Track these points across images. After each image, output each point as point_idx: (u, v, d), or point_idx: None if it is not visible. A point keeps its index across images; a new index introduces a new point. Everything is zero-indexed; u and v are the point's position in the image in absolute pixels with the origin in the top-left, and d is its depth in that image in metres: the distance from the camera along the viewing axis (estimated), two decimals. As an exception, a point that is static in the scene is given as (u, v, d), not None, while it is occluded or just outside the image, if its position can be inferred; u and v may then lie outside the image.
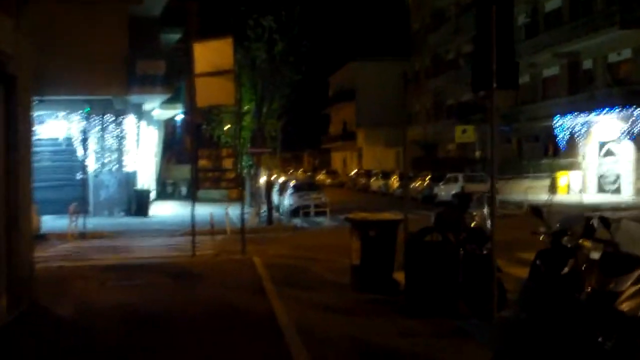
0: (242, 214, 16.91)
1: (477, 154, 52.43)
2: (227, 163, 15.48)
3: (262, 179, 32.50)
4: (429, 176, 41.70)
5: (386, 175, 53.32)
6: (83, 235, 24.85)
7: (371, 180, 56.09)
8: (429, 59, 68.13)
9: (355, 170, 69.99)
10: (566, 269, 7.60)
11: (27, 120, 11.18)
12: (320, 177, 73.25)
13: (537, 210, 8.80)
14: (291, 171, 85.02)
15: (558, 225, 8.88)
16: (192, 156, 17.10)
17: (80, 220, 25.55)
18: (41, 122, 30.70)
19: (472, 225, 10.75)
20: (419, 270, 10.14)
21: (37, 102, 29.37)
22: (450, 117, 60.57)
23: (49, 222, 27.44)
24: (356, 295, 11.39)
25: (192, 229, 16.63)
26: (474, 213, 11.08)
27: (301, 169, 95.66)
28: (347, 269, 13.87)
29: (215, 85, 16.05)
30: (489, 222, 10.41)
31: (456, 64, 61.26)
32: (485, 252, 10.16)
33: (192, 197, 16.65)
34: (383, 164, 68.45)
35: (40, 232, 24.36)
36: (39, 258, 19.17)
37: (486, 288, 9.54)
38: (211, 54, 16.14)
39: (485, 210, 11.00)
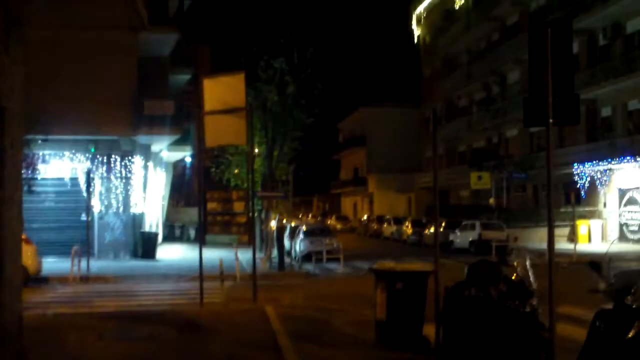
0: (254, 260, 15.76)
1: (491, 200, 51.27)
2: (238, 207, 14.50)
3: (273, 223, 31.45)
4: (444, 223, 40.46)
5: (399, 221, 52.14)
6: (86, 279, 23.73)
7: (383, 226, 54.89)
8: (440, 105, 67.36)
9: (367, 216, 68.82)
10: (631, 333, 6.57)
11: (17, 156, 10.13)
12: (331, 222, 72.07)
13: (595, 265, 7.77)
14: (300, 216, 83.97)
15: (614, 280, 7.81)
16: (200, 199, 15.86)
17: (84, 263, 24.48)
18: (45, 162, 29.77)
19: (513, 277, 9.62)
20: (458, 329, 8.98)
21: (40, 141, 28.67)
22: (462, 163, 59.59)
23: (52, 265, 26.35)
24: (383, 354, 10.22)
25: (200, 278, 15.49)
26: (515, 263, 9.93)
27: (310, 214, 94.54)
28: (369, 322, 12.75)
29: (225, 123, 15.06)
30: (531, 274, 9.35)
31: (469, 110, 60.54)
32: (528, 309, 9.04)
33: (199, 242, 15.47)
34: (395, 210, 67.33)
35: (41, 275, 23.34)
36: (37, 303, 18.15)
37: (531, 350, 8.42)
38: (222, 91, 15.17)
39: (528, 262, 9.85)
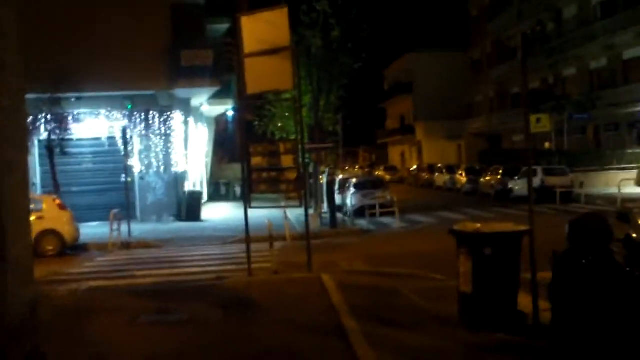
0: (307, 224, 13.90)
1: (547, 144, 48.82)
2: (286, 161, 12.79)
3: (322, 177, 29.72)
4: (501, 170, 38.26)
5: (451, 170, 49.94)
6: (127, 245, 22.28)
7: (435, 176, 52.75)
8: (490, 46, 64.41)
9: (417, 166, 66.70)
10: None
11: (20, 112, 8.40)
12: (379, 173, 70.12)
13: (623, 216, 5.85)
14: (347, 167, 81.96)
15: None
16: (242, 154, 13.98)
17: (124, 228, 23.03)
18: (80, 121, 28.21)
19: (634, 236, 7.67)
20: (576, 306, 7.06)
21: (74, 99, 27.09)
22: (515, 106, 56.87)
23: (92, 230, 25.07)
24: (473, 337, 8.35)
25: (247, 246, 13.70)
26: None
27: (357, 166, 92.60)
28: (443, 290, 11.00)
29: (268, 66, 13.13)
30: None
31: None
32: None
33: (244, 205, 13.68)
34: (445, 158, 65.06)
35: (78, 243, 21.96)
36: (71, 275, 16.68)
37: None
38: (263, 29, 13.19)
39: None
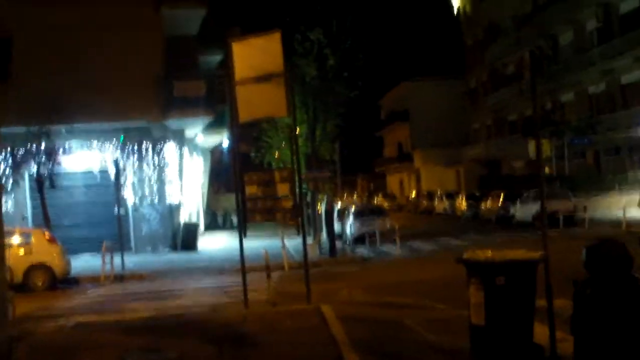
0: (305, 252, 13.25)
1: (547, 169, 48.32)
2: (282, 189, 12.24)
3: (320, 206, 29.17)
4: (502, 195, 37.69)
5: (451, 196, 49.42)
6: (120, 278, 21.68)
7: (435, 202, 52.23)
8: (486, 74, 64.17)
9: (416, 193, 66.15)
10: None
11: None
12: (378, 200, 69.60)
13: None
14: (345, 196, 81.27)
15: None
16: (237, 183, 13.41)
17: (118, 260, 22.40)
18: (72, 154, 27.62)
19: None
20: (601, 340, 6.48)
21: (64, 131, 26.55)
22: (513, 133, 56.51)
23: (85, 263, 24.40)
24: (486, 373, 7.72)
25: (243, 277, 13.06)
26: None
27: (355, 194, 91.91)
28: (449, 321, 10.43)
29: (261, 93, 12.57)
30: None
31: (518, 76, 57.18)
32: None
33: (239, 235, 13.08)
34: (444, 185, 64.54)
35: (70, 276, 21.31)
36: (60, 310, 15.98)
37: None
38: (255, 55, 12.65)
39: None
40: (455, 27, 73.09)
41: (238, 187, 13.29)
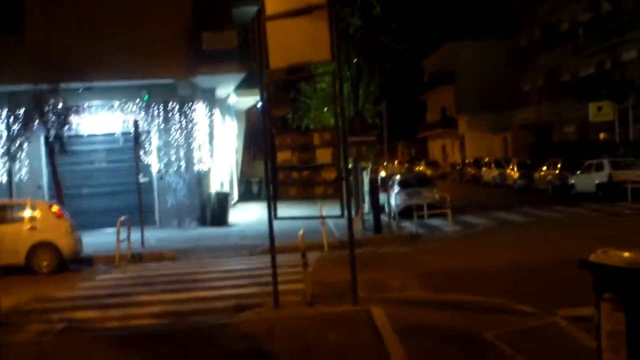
0: (351, 245, 10.30)
1: (602, 135, 44.94)
2: (323, 156, 9.63)
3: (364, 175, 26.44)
4: (560, 163, 34.49)
5: (500, 164, 46.16)
6: (138, 257, 19.13)
7: (482, 170, 49.03)
8: (538, 32, 60.38)
9: (461, 160, 62.94)
10: None
11: None
12: (420, 168, 66.50)
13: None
14: (385, 163, 78.24)
15: None
16: (266, 148, 10.57)
17: (135, 235, 19.93)
18: (90, 115, 25.13)
19: None
20: None
21: (82, 89, 24.03)
22: (566, 95, 52.92)
23: (103, 239, 21.94)
24: None
25: (273, 274, 10.34)
26: None
27: (396, 161, 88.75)
28: (545, 334, 7.68)
29: (298, 31, 9.84)
30: None
31: (573, 34, 53.42)
32: None
33: (269, 213, 10.38)
34: (490, 152, 61.22)
35: (83, 255, 18.86)
36: (59, 302, 13.47)
37: None
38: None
39: None
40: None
41: (268, 153, 10.53)
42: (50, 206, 18.32)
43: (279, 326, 9.24)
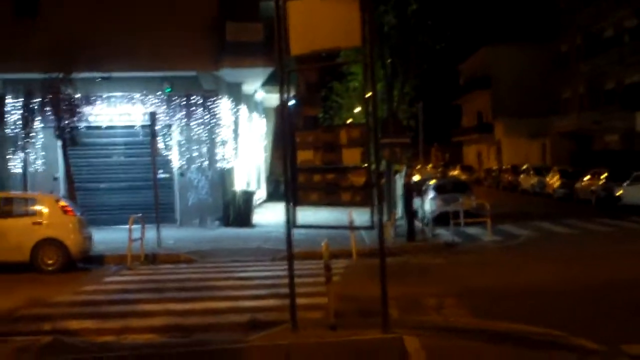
0: (382, 265, 8.62)
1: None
2: (350, 156, 8.25)
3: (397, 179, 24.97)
4: (606, 173, 32.64)
5: (539, 172, 44.31)
6: (152, 258, 17.81)
7: (520, 177, 47.23)
8: (580, 38, 58.35)
9: (498, 166, 61.16)
10: None
11: None
12: (454, 173, 64.78)
13: None
14: (419, 167, 76.62)
15: None
16: (286, 146, 9.02)
17: (151, 234, 18.64)
18: (109, 105, 23.88)
19: None
20: None
21: (100, 79, 22.80)
22: (609, 103, 50.93)
23: (120, 235, 20.57)
24: None
25: (291, 291, 8.81)
26: None
27: (430, 165, 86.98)
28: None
29: (322, 13, 8.36)
30: None
31: (617, 41, 51.39)
32: None
33: (287, 222, 8.92)
34: (527, 159, 59.28)
35: (90, 254, 17.58)
36: (54, 307, 12.08)
37: None
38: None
39: None
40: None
41: (288, 152, 9.06)
42: (57, 200, 17.03)
43: (293, 351, 7.75)
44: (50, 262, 16.10)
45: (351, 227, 14.72)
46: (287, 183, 9.04)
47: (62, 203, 16.90)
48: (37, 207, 16.50)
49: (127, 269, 16.61)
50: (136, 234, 17.37)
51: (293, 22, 8.66)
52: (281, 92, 9.02)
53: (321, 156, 8.69)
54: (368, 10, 8.33)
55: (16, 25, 22.65)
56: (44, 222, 16.25)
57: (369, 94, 8.70)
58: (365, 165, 8.58)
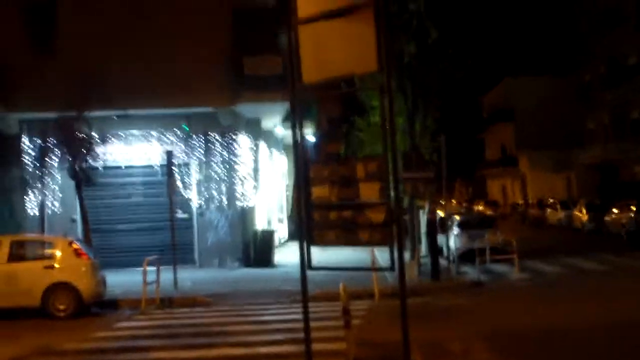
0: (403, 307, 7.94)
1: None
2: (368, 192, 7.72)
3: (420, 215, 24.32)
4: (634, 206, 31.76)
5: (566, 205, 43.40)
6: (168, 302, 17.27)
7: (547, 212, 46.32)
8: (603, 67, 57.61)
9: (523, 200, 60.22)
10: None
11: None
12: (479, 208, 63.84)
13: None
14: (443, 202, 75.76)
15: None
16: (299, 180, 8.45)
17: (168, 275, 18.12)
18: (126, 144, 23.57)
19: None
20: None
21: (116, 117, 22.48)
22: (636, 133, 50.02)
23: (135, 279, 20.07)
24: None
25: (306, 338, 8.23)
26: None
27: (453, 200, 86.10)
28: None
29: (338, 36, 7.80)
30: None
31: (642, 68, 50.62)
32: None
33: (301, 264, 8.34)
34: (552, 192, 58.34)
35: (104, 298, 17.05)
36: (60, 356, 11.66)
37: None
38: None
39: None
40: (568, 15, 66.64)
41: (302, 187, 8.49)
42: (70, 243, 16.55)
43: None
44: (61, 307, 15.61)
45: (369, 268, 14.11)
46: (301, 221, 8.46)
47: (75, 246, 16.42)
48: (49, 250, 16.10)
49: (141, 313, 16.07)
50: (152, 277, 16.87)
51: (304, 47, 8.12)
52: (293, 121, 8.44)
53: (337, 192, 8.10)
54: (384, 32, 7.79)
55: (32, 64, 22.46)
56: (56, 265, 15.81)
57: (386, 122, 8.10)
58: (385, 201, 7.96)
